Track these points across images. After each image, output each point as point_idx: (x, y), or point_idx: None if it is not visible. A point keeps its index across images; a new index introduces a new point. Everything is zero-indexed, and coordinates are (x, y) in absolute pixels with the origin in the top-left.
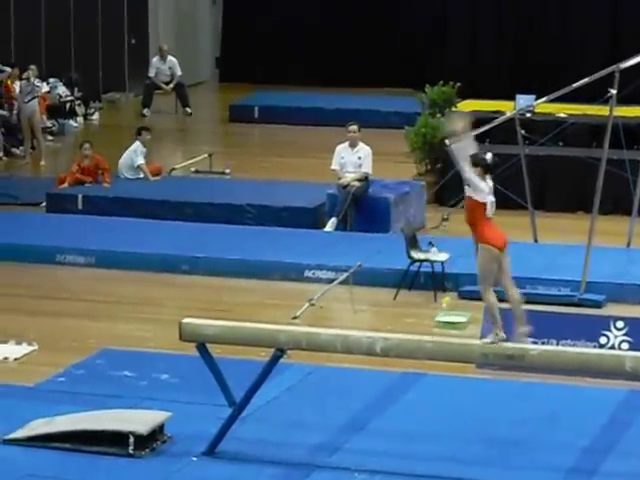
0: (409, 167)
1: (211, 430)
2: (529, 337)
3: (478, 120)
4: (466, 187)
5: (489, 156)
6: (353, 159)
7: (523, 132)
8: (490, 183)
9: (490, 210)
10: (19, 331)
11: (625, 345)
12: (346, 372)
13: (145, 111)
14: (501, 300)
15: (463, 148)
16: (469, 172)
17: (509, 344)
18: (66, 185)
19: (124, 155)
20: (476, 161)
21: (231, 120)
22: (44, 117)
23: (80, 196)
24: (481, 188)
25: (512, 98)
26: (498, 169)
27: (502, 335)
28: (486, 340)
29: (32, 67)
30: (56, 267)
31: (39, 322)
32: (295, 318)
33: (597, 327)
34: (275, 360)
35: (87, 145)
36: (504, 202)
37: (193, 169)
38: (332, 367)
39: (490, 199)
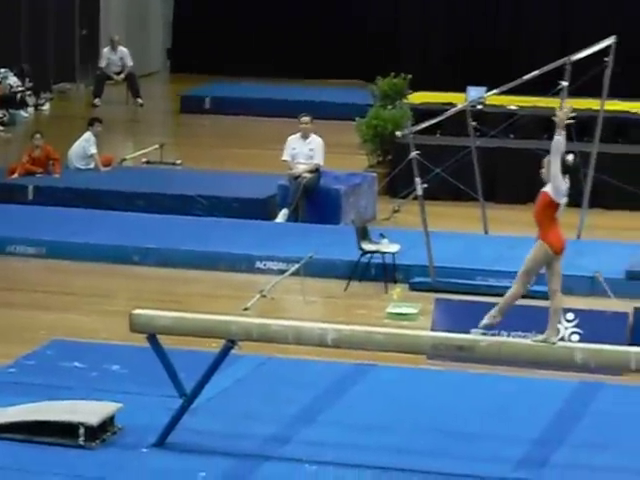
0: (360, 159)
1: (162, 421)
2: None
3: (429, 112)
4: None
5: (571, 157)
6: (305, 150)
7: (474, 124)
8: (567, 184)
9: (560, 212)
10: None
11: (575, 337)
12: (297, 363)
13: (96, 101)
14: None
15: (562, 143)
16: (559, 168)
17: (459, 335)
18: (16, 175)
19: (75, 145)
20: (568, 169)
21: (182, 111)
22: None
23: (30, 187)
24: (562, 188)
25: (463, 90)
26: (577, 174)
27: (495, 320)
28: (484, 322)
29: None
30: (6, 258)
31: None
32: (246, 309)
33: (547, 319)
34: (226, 351)
35: (38, 135)
36: (455, 194)
37: (144, 160)
38: (283, 358)
39: (564, 200)
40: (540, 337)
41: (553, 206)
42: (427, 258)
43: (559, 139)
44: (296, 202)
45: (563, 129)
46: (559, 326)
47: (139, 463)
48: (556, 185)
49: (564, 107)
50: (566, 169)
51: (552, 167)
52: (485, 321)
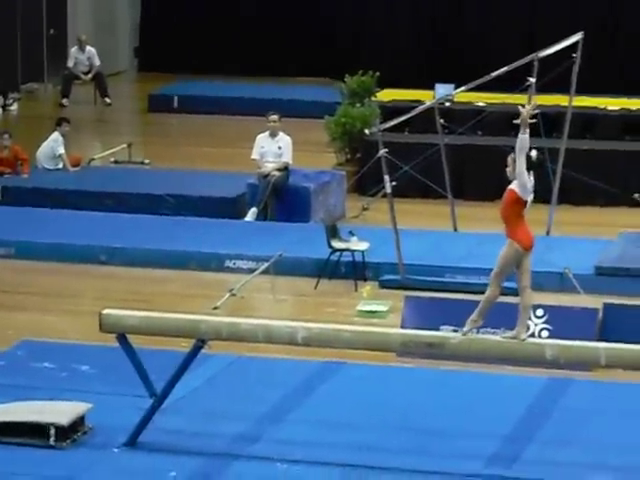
0: (329, 157)
1: (132, 421)
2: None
3: (397, 109)
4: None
5: (535, 153)
6: (273, 149)
7: (442, 121)
8: (532, 181)
9: (527, 208)
10: None
11: (545, 333)
12: (267, 362)
13: (64, 101)
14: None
15: (527, 139)
16: (524, 166)
17: (429, 332)
18: None
19: (43, 145)
20: (533, 165)
21: (150, 110)
22: None
23: None
24: (528, 185)
25: (431, 87)
26: (541, 169)
27: (477, 323)
28: (465, 329)
29: None
30: None
31: None
32: (216, 308)
33: (517, 315)
34: (196, 350)
35: (6, 136)
36: (424, 191)
37: (112, 159)
38: (253, 357)
39: (531, 197)
40: (510, 333)
41: (520, 203)
42: (396, 256)
43: (524, 137)
44: (265, 200)
45: (527, 127)
46: (529, 322)
47: (110, 463)
48: (522, 182)
49: (527, 104)
50: (531, 165)
51: (518, 165)
52: (467, 327)
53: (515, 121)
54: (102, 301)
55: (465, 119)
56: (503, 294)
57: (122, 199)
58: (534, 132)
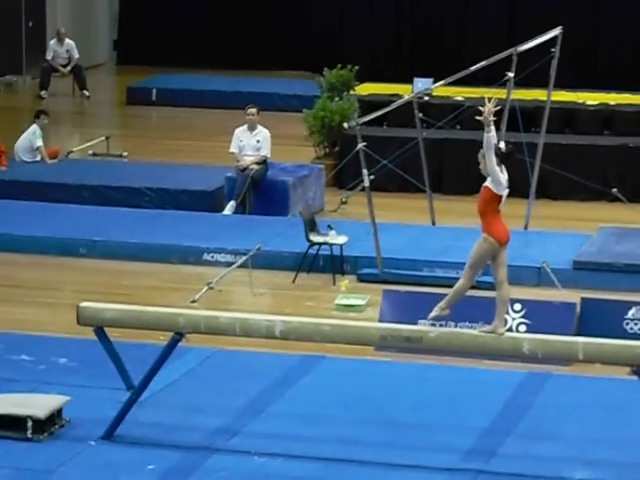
0: (308, 150)
1: (109, 414)
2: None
3: (376, 103)
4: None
5: (503, 145)
6: (252, 142)
7: (421, 115)
8: (506, 175)
9: (503, 203)
10: None
11: (523, 327)
12: (245, 355)
13: (42, 93)
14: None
15: (493, 137)
16: (494, 163)
17: (407, 326)
18: None
19: (21, 138)
20: (503, 155)
21: (129, 103)
22: None
23: None
24: (501, 181)
25: (410, 81)
26: (512, 159)
27: (446, 312)
28: (432, 314)
29: None
30: None
31: None
32: (194, 302)
33: (494, 309)
34: (173, 344)
35: None
36: (402, 185)
37: (90, 152)
38: (231, 350)
39: (506, 192)
40: (487, 328)
41: (496, 199)
42: (375, 249)
43: (490, 135)
44: (243, 194)
45: (490, 125)
46: (506, 316)
47: (87, 456)
48: (495, 179)
49: (488, 102)
50: (501, 158)
51: (488, 163)
52: (433, 313)
53: (478, 118)
54: (81, 294)
55: (444, 113)
56: (480, 288)
57: (100, 192)
58: (512, 126)
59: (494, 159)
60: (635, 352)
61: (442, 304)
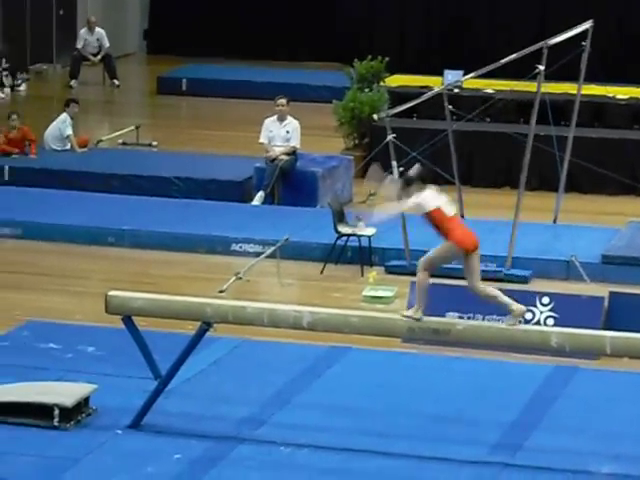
0: (337, 141)
1: (136, 403)
2: (521, 318)
3: (406, 95)
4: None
5: (413, 171)
6: (281, 133)
7: (451, 107)
8: (431, 190)
9: (449, 209)
10: None
11: (550, 321)
12: (272, 346)
13: (72, 82)
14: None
15: (392, 207)
16: (407, 205)
17: (434, 318)
18: None
19: (51, 126)
20: (408, 181)
21: (159, 92)
22: None
23: (7, 167)
24: (423, 204)
25: (440, 73)
26: (424, 176)
27: (420, 315)
28: (405, 313)
29: None
30: None
31: None
32: (222, 291)
33: (523, 302)
34: (201, 333)
35: (14, 116)
36: (431, 178)
37: (120, 141)
38: (258, 341)
39: (440, 201)
40: (510, 318)
41: (436, 212)
42: (403, 241)
43: (388, 210)
44: (272, 185)
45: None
46: (534, 309)
47: (114, 444)
48: (420, 208)
49: (374, 170)
50: (418, 182)
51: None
52: (410, 313)
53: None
54: (109, 283)
55: (473, 106)
56: (509, 281)
57: (130, 181)
58: (542, 120)
59: (400, 208)
60: None
61: (417, 306)
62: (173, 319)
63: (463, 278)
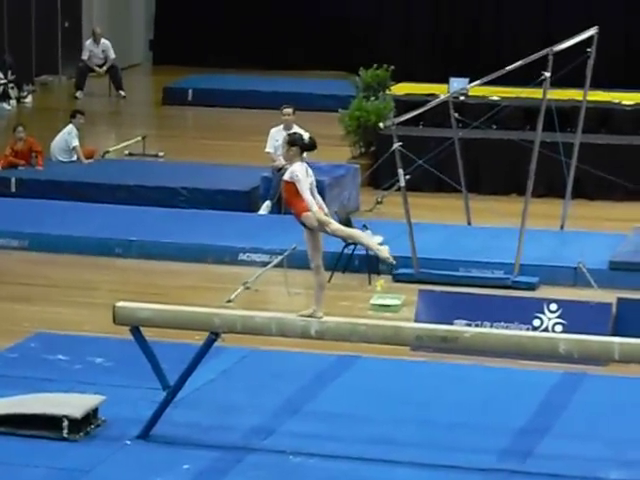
0: (343, 150)
1: (145, 414)
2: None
3: (411, 103)
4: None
5: (306, 136)
6: None
7: (456, 115)
8: (301, 165)
9: (306, 187)
10: None
11: (559, 327)
12: (281, 355)
13: (78, 94)
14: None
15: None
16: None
17: (443, 326)
18: None
19: (57, 137)
20: (291, 142)
21: (165, 103)
22: None
23: (13, 179)
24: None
25: (446, 81)
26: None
27: (318, 315)
28: (303, 312)
29: None
30: None
31: None
32: (229, 301)
33: (531, 309)
34: (209, 343)
35: (21, 128)
36: (438, 185)
37: (126, 152)
38: (267, 350)
39: (301, 176)
40: (306, 312)
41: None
42: (410, 249)
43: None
44: (279, 194)
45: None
46: (542, 316)
47: (123, 455)
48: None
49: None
50: (307, 147)
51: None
52: (310, 312)
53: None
54: (117, 294)
55: (479, 113)
56: (516, 288)
57: (136, 192)
58: (549, 126)
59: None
60: None
61: (316, 307)
62: (181, 329)
63: (472, 286)
